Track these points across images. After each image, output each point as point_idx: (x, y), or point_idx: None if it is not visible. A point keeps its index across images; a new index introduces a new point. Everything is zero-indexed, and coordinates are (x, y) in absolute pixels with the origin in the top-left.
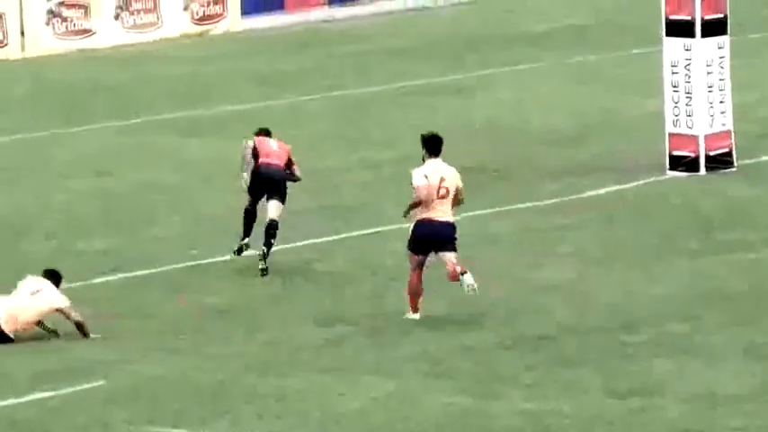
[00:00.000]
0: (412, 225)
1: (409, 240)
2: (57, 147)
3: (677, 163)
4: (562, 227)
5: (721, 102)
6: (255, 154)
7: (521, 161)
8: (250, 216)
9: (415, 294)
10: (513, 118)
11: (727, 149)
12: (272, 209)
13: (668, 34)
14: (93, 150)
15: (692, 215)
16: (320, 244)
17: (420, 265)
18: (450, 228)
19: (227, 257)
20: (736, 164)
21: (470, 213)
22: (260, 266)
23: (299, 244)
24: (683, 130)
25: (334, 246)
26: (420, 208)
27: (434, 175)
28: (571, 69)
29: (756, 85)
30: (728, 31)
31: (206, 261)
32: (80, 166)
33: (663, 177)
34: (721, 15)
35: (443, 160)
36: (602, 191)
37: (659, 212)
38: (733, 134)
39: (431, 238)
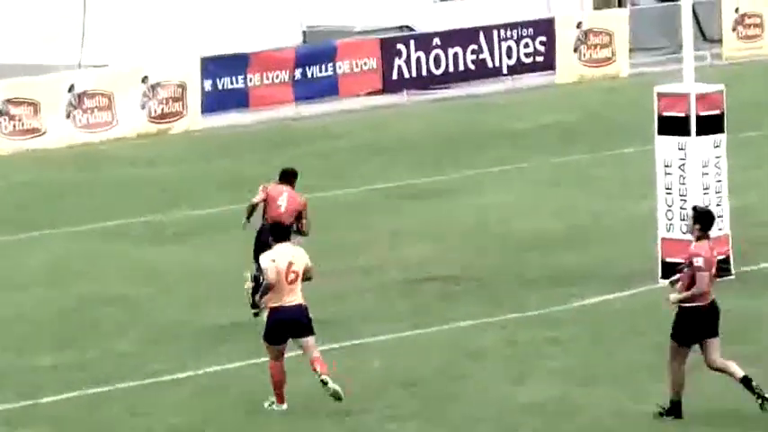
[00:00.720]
0: (266, 314)
1: (265, 331)
2: (1, 255)
3: (671, 271)
4: (548, 340)
5: (718, 204)
6: (264, 203)
7: (505, 268)
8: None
9: (280, 384)
10: (498, 222)
11: (724, 256)
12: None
13: (661, 132)
14: (42, 259)
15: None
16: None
17: (280, 355)
18: (302, 310)
19: (189, 373)
20: (734, 272)
21: (452, 325)
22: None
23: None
24: (676, 235)
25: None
26: (271, 294)
27: (282, 259)
28: (557, 170)
29: (755, 186)
30: (725, 129)
31: (166, 378)
32: (27, 275)
33: (655, 286)
34: (717, 112)
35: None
36: (590, 301)
37: (652, 325)
38: (731, 239)
39: (286, 326)
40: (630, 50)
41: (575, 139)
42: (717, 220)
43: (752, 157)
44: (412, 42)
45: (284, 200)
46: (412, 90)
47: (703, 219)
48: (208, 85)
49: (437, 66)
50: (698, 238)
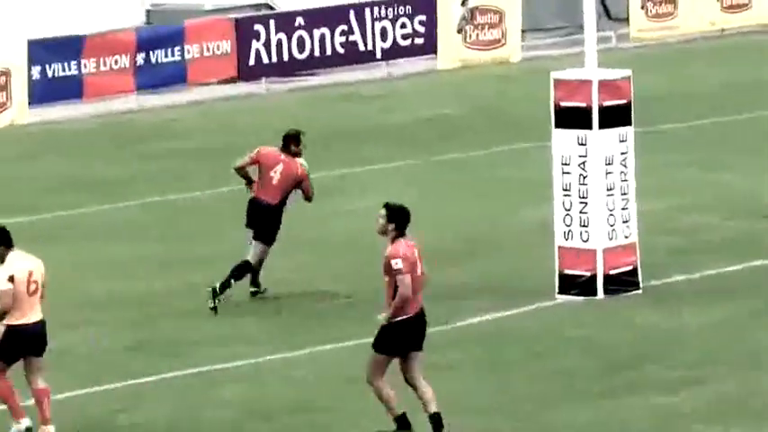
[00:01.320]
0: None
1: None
2: None
3: (570, 284)
4: (431, 365)
5: (624, 208)
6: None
7: (382, 284)
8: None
9: (11, 397)
10: (373, 230)
11: (630, 267)
12: (252, 250)
13: (558, 125)
14: None
15: (589, 350)
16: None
17: (6, 369)
18: (44, 327)
19: None
20: (642, 285)
21: (322, 347)
22: (209, 304)
23: (108, 387)
24: (576, 243)
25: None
26: (10, 313)
27: (21, 271)
28: (441, 170)
29: (668, 188)
30: (633, 121)
31: None
32: None
33: (552, 303)
34: (624, 101)
35: None
36: (479, 320)
37: (548, 347)
38: (638, 249)
39: (26, 343)
40: (523, 31)
41: (460, 134)
42: (625, 225)
43: (664, 153)
44: (272, 23)
45: (278, 171)
46: (272, 78)
47: (397, 217)
48: (36, 72)
49: (301, 50)
50: (393, 239)
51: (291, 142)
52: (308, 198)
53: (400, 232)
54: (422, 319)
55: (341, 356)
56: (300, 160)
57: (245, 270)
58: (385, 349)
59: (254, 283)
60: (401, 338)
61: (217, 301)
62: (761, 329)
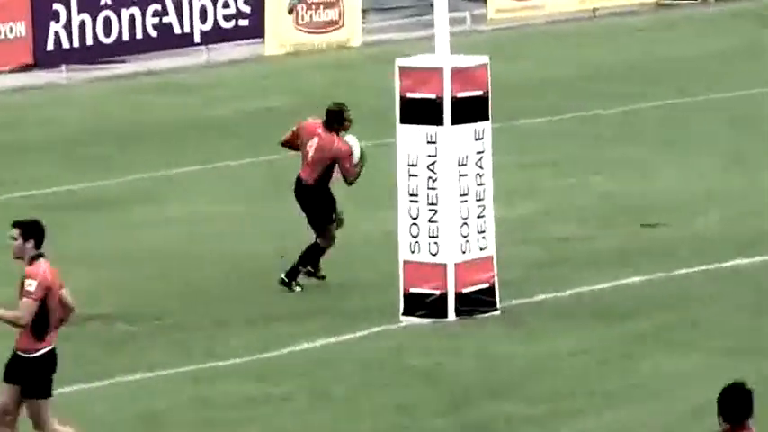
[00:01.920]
0: None
1: None
2: None
3: (416, 305)
4: (250, 400)
5: (480, 217)
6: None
7: (197, 303)
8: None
9: None
10: (187, 241)
11: (487, 285)
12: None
13: (404, 120)
14: None
15: (437, 381)
16: None
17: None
18: None
19: None
20: (500, 305)
21: (120, 379)
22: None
23: None
24: (424, 257)
25: None
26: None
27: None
28: (271, 170)
29: (533, 192)
30: (490, 116)
31: None
32: None
33: (395, 326)
34: (480, 93)
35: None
36: (312, 345)
37: (392, 377)
38: (496, 263)
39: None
40: (364, 12)
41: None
42: (481, 236)
43: (528, 152)
44: (73, 2)
45: (313, 146)
46: (73, 66)
47: (34, 232)
48: None
49: (107, 33)
50: (32, 259)
51: (334, 119)
52: (346, 181)
53: (39, 251)
54: (54, 358)
55: (142, 391)
56: (348, 137)
57: (309, 251)
58: (38, 392)
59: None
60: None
61: (296, 286)
62: (642, 356)
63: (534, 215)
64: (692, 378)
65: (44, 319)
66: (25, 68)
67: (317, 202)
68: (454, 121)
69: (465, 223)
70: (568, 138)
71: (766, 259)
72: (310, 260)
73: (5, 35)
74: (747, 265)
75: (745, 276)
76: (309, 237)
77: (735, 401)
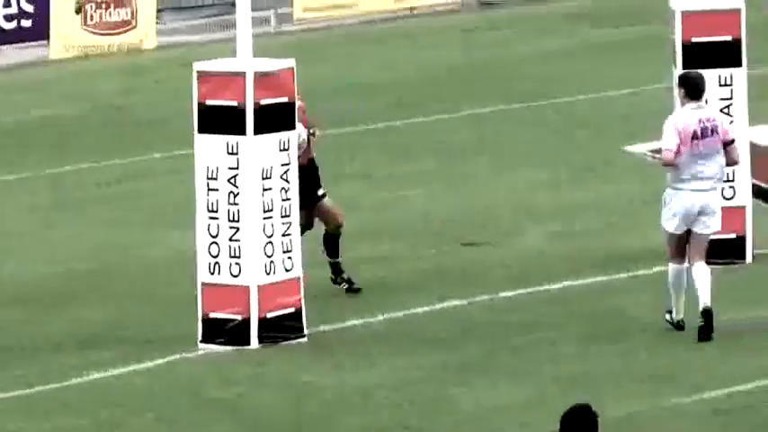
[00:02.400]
0: None
1: None
2: None
3: (215, 331)
4: None
5: (286, 235)
6: None
7: None
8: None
9: None
10: None
11: (293, 309)
12: None
13: (203, 129)
14: None
15: (237, 415)
16: None
17: None
18: None
19: None
20: (306, 331)
21: None
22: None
23: None
24: (224, 279)
25: None
26: None
27: None
28: (56, 186)
29: (344, 209)
30: (295, 124)
31: None
32: None
33: (193, 354)
34: (287, 99)
35: None
36: (101, 375)
37: (190, 410)
38: (303, 286)
39: None
40: (159, 11)
41: (77, 140)
42: (287, 256)
43: (338, 164)
44: None
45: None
46: None
47: None
48: None
49: None
50: None
51: None
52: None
53: None
54: None
55: None
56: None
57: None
58: None
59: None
60: None
61: (342, 282)
62: (461, 387)
63: (346, 233)
64: (516, 410)
65: None
66: None
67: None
68: (257, 131)
69: (269, 242)
70: (383, 149)
71: (596, 281)
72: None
73: None
74: (576, 287)
75: (573, 299)
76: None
77: (579, 424)
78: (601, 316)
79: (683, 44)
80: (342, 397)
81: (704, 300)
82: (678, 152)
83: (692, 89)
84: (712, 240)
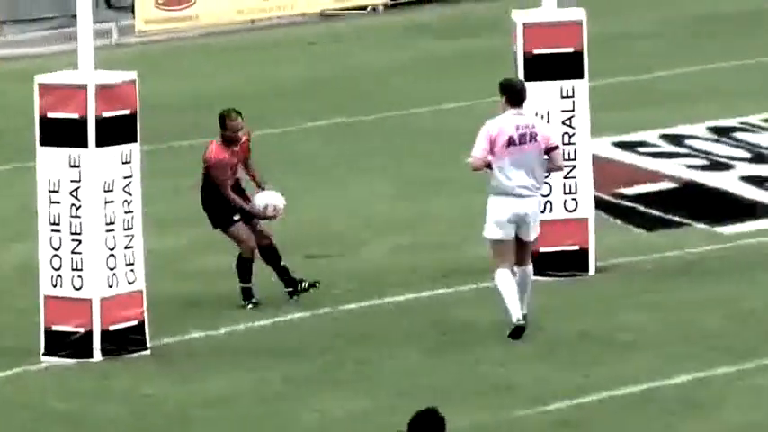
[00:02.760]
0: None
1: None
2: None
3: (59, 343)
4: None
5: (128, 247)
6: None
7: None
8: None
9: None
10: None
11: (136, 322)
12: None
13: (45, 142)
14: None
15: (83, 427)
16: None
17: None
18: None
19: None
20: (149, 344)
21: None
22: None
23: None
24: (67, 291)
25: None
26: None
27: None
28: None
29: (187, 222)
30: (138, 138)
31: None
32: None
33: (35, 367)
34: (128, 111)
35: None
36: None
37: (33, 424)
38: (145, 299)
39: None
40: (1, 23)
41: None
42: (129, 268)
43: (182, 176)
44: None
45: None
46: None
47: None
48: None
49: None
50: None
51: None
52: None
53: None
54: None
55: None
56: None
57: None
58: None
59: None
60: None
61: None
62: (304, 400)
63: (184, 246)
64: (360, 422)
65: None
66: None
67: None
68: (99, 143)
69: (112, 255)
70: None
71: (440, 293)
72: (243, 273)
73: None
74: (419, 299)
75: (417, 311)
76: None
77: (426, 428)
78: (444, 328)
79: (525, 56)
80: (184, 410)
81: (516, 314)
82: (485, 159)
83: (515, 96)
84: (556, 253)
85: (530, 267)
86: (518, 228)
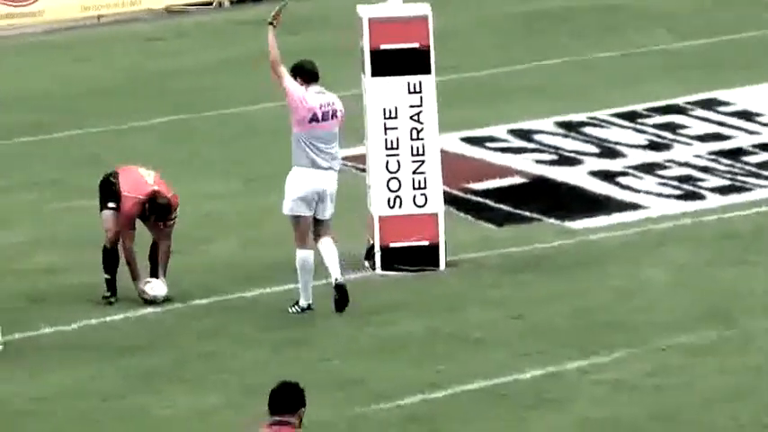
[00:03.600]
0: None
1: None
2: None
3: None
4: None
5: None
6: None
7: None
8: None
9: None
10: None
11: None
12: None
13: None
14: None
15: None
16: None
17: None
18: None
19: None
20: (1, 339)
21: None
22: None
23: None
24: None
25: None
26: None
27: None
28: None
29: (15, 218)
30: None
31: None
32: None
33: None
34: None
35: None
36: None
37: None
38: None
39: None
40: None
41: None
42: None
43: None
44: None
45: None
46: None
47: None
48: None
49: None
50: None
51: None
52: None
53: None
54: None
55: None
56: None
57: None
58: None
59: None
60: None
61: None
62: (153, 395)
63: (29, 242)
64: (209, 417)
65: None
66: None
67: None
68: None
69: None
70: (57, 160)
71: (289, 288)
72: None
73: None
74: (268, 294)
75: (266, 306)
76: None
77: (279, 396)
78: (292, 323)
79: (371, 51)
80: (24, 406)
81: (335, 274)
82: (298, 111)
83: (309, 73)
84: (405, 248)
85: (328, 239)
86: (317, 205)
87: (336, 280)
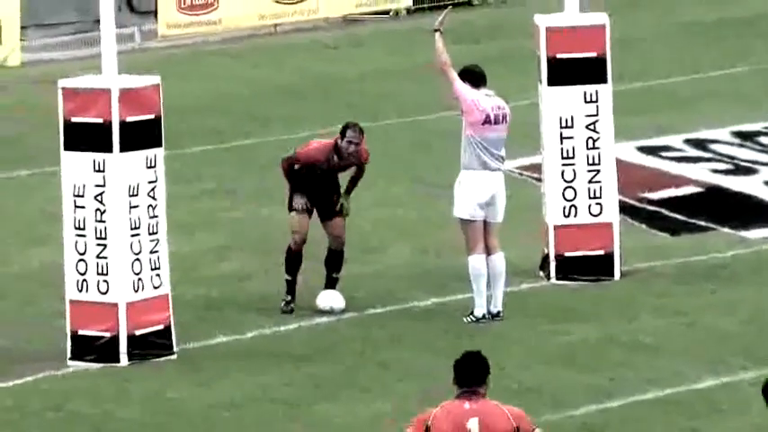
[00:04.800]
0: None
1: None
2: None
3: (85, 348)
4: None
5: (153, 252)
6: None
7: None
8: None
9: None
10: None
11: (162, 326)
12: None
13: (69, 147)
14: None
15: (105, 431)
16: None
17: None
18: None
19: None
20: (176, 348)
21: None
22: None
23: None
24: (92, 296)
25: None
26: None
27: None
28: None
29: (209, 226)
30: (163, 142)
31: None
32: None
33: (61, 372)
34: (152, 116)
35: None
36: None
37: (56, 426)
38: (171, 303)
39: None
40: (23, 28)
41: None
42: (155, 273)
43: (203, 181)
44: None
45: None
46: None
47: None
48: None
49: None
50: None
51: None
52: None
53: None
54: None
55: None
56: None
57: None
58: None
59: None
60: None
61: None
62: (329, 402)
63: (212, 250)
64: (381, 424)
65: None
66: None
67: None
68: (123, 148)
69: (137, 259)
70: (244, 165)
71: (461, 298)
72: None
73: None
74: (443, 303)
75: (442, 315)
76: None
77: (466, 367)
78: (467, 331)
79: (548, 60)
80: (208, 413)
81: (498, 306)
82: (472, 113)
83: (479, 76)
84: (580, 257)
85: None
86: (488, 209)
87: (495, 308)
